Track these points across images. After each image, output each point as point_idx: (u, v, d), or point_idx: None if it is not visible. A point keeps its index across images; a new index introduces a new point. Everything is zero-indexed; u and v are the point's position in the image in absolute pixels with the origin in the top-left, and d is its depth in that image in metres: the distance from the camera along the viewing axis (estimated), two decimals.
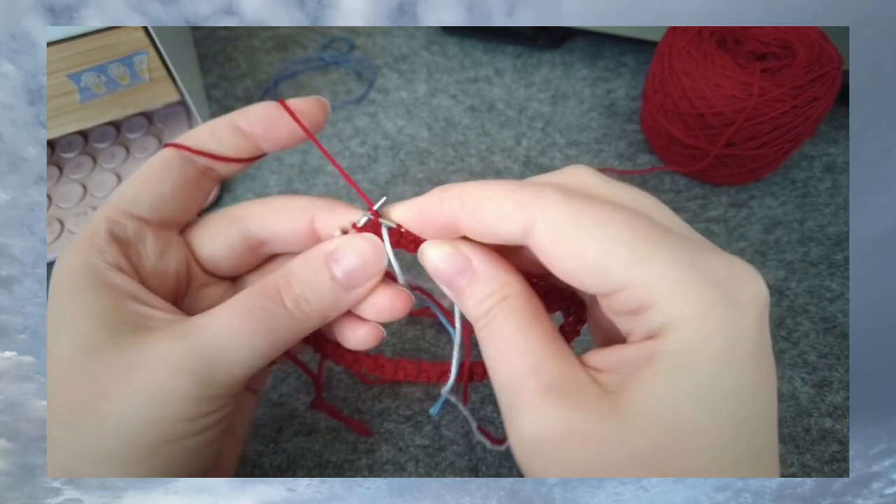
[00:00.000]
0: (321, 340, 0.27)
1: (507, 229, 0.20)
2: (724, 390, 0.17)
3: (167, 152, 0.24)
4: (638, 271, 0.18)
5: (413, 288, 0.25)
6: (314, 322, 0.23)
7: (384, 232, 0.23)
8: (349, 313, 0.25)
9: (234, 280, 0.28)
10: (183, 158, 0.24)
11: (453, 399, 0.26)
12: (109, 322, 0.21)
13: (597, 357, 0.20)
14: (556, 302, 0.25)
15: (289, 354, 0.27)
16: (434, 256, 0.22)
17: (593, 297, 0.23)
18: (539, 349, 0.19)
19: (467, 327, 0.24)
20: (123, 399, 0.20)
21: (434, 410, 0.26)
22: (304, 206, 0.25)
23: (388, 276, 0.24)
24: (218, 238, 0.26)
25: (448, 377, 0.25)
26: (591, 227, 0.18)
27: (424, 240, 0.23)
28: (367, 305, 0.24)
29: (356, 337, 0.25)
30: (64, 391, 0.20)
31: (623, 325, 0.19)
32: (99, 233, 0.23)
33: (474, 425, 0.28)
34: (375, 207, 0.24)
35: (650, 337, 0.18)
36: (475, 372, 0.25)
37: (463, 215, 0.21)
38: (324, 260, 0.23)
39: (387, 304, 0.24)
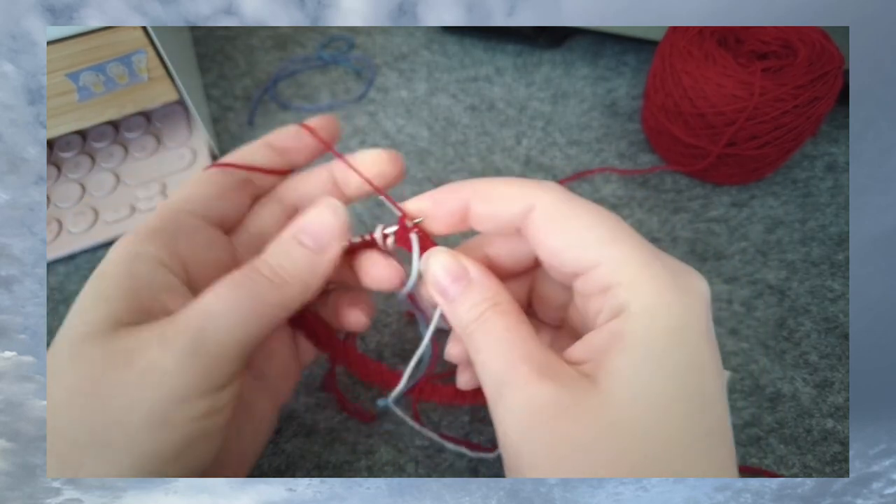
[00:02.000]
0: (316, 330, 0.29)
1: (511, 209, 0.23)
2: (676, 362, 0.19)
3: (210, 170, 0.28)
4: (610, 250, 0.21)
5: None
6: (295, 288, 0.24)
7: (414, 239, 0.25)
8: (344, 300, 0.28)
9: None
10: (224, 173, 0.27)
11: (398, 411, 0.29)
12: (123, 310, 0.22)
13: (573, 352, 0.22)
14: None
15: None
16: (435, 263, 0.24)
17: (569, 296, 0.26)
18: (529, 342, 0.22)
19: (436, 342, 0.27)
20: (128, 383, 0.21)
21: (381, 403, 0.29)
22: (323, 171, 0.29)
23: (379, 251, 0.27)
24: (263, 218, 0.29)
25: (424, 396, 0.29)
26: (579, 211, 0.22)
27: (430, 246, 0.25)
28: (366, 276, 0.26)
29: (349, 320, 0.28)
30: (75, 414, 0.21)
31: (594, 305, 0.22)
32: (148, 225, 0.24)
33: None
34: (389, 231, 0.26)
35: (615, 316, 0.21)
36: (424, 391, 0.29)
37: (473, 199, 0.24)
38: (291, 232, 0.24)
39: (383, 273, 0.26)
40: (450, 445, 0.31)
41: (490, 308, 0.23)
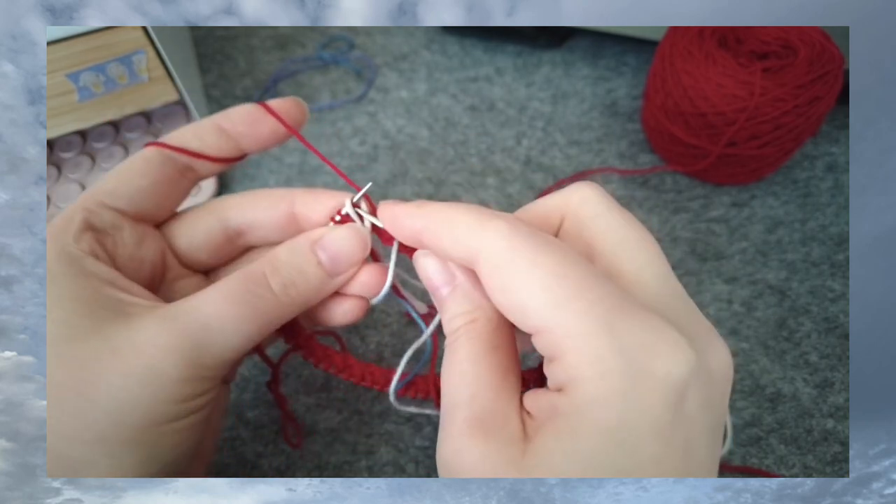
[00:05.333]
0: (295, 331, 0.27)
1: (458, 253, 0.21)
2: (610, 464, 0.17)
3: (149, 150, 0.25)
4: (554, 317, 0.18)
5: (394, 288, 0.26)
6: (298, 306, 0.24)
7: (366, 222, 0.24)
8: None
9: (207, 273, 0.28)
10: (164, 156, 0.25)
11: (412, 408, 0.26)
12: (89, 308, 0.21)
13: (527, 399, 0.20)
14: None
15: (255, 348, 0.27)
16: (425, 264, 0.23)
17: None
18: (484, 379, 0.20)
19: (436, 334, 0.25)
20: (114, 382, 0.20)
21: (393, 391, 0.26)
22: (284, 195, 0.26)
23: (371, 255, 0.26)
24: (196, 229, 0.26)
25: (412, 392, 0.26)
26: (523, 265, 0.19)
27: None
28: (352, 282, 0.25)
29: (342, 310, 0.26)
30: (52, 379, 0.21)
31: (546, 368, 0.20)
32: (74, 221, 0.23)
33: None
34: (358, 196, 0.25)
35: (559, 388, 0.18)
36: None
37: (425, 233, 0.22)
38: (309, 246, 0.24)
39: (372, 280, 0.25)
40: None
41: (465, 325, 0.21)
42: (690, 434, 0.17)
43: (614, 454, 0.17)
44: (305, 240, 0.24)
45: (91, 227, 0.23)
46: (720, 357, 0.19)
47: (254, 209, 0.26)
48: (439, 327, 0.24)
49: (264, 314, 0.23)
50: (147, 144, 0.25)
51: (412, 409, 0.26)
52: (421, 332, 0.25)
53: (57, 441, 0.21)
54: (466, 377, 0.20)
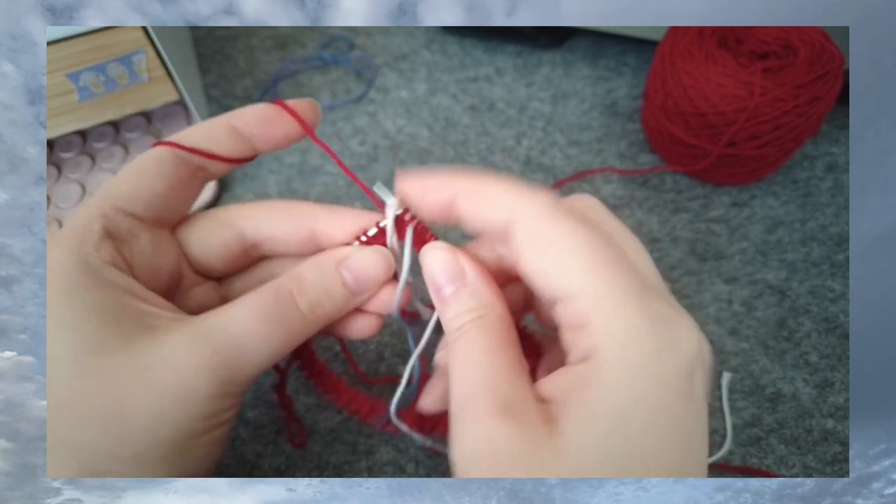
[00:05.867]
0: (305, 353, 0.28)
1: (495, 215, 0.21)
2: (643, 427, 0.18)
3: (161, 150, 0.24)
4: (588, 283, 0.19)
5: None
6: (322, 324, 0.24)
7: (408, 233, 0.24)
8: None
9: (219, 280, 0.28)
10: (177, 157, 0.25)
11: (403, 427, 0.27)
12: (113, 320, 0.21)
13: (543, 386, 0.20)
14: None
15: None
16: (433, 258, 0.23)
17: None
18: (500, 369, 0.20)
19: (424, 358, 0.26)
20: (149, 400, 0.21)
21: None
22: (306, 213, 0.26)
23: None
24: (212, 239, 0.26)
25: (389, 426, 0.26)
26: (563, 231, 0.20)
27: (429, 241, 0.24)
28: (372, 300, 0.26)
29: (359, 327, 0.26)
30: (77, 393, 0.20)
31: (567, 339, 0.20)
32: (92, 229, 0.23)
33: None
34: (394, 213, 0.25)
35: (585, 358, 0.19)
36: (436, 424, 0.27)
37: (461, 196, 0.22)
38: (335, 266, 0.24)
39: (391, 299, 0.25)
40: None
41: (473, 321, 0.21)
42: (700, 404, 0.19)
43: (649, 418, 0.18)
44: (331, 259, 0.24)
45: (109, 235, 0.23)
46: (707, 351, 0.20)
47: (274, 224, 0.26)
48: (423, 351, 0.25)
49: (290, 331, 0.23)
50: (157, 143, 0.24)
51: (404, 429, 0.27)
52: (417, 342, 0.26)
53: (88, 457, 0.20)
54: (483, 367, 0.20)
